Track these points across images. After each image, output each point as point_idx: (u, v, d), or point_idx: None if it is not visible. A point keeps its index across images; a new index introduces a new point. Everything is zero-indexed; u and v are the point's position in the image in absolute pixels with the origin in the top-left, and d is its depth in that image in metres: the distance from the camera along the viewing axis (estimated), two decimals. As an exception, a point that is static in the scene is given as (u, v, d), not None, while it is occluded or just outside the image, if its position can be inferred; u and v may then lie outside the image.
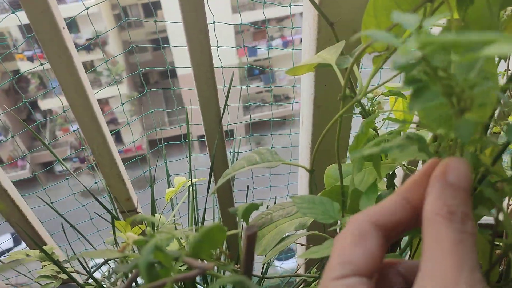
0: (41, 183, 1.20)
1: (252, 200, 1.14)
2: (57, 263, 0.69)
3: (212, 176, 0.84)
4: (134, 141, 1.19)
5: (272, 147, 1.25)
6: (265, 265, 1.02)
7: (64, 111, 0.88)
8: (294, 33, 1.31)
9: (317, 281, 0.73)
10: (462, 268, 0.22)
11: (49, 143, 0.77)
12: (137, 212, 0.87)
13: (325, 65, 0.61)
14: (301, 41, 0.73)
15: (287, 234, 0.67)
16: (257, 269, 1.39)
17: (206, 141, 0.79)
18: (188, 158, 0.95)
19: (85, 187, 0.85)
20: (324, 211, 0.52)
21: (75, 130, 0.80)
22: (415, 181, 0.27)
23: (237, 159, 1.04)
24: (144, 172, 1.16)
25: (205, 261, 0.38)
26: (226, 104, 0.76)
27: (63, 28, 0.61)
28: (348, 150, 0.55)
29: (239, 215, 0.49)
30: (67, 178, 1.15)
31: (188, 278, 0.33)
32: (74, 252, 0.87)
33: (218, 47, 0.97)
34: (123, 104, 1.16)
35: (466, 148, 0.46)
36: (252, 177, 1.15)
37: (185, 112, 0.81)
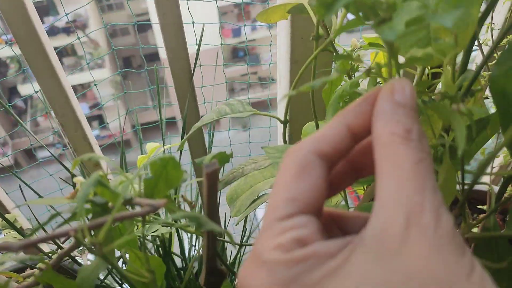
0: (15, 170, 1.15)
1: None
2: (19, 230, 0.65)
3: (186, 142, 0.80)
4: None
5: (249, 128, 1.22)
6: (244, 234, 0.99)
7: (35, 92, 0.83)
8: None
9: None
10: (425, 189, 0.20)
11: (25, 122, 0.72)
12: (108, 179, 0.83)
13: (297, 9, 0.57)
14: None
15: (262, 193, 0.63)
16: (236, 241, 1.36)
17: (177, 102, 0.75)
18: (160, 124, 0.91)
19: (53, 155, 0.80)
20: (297, 159, 0.48)
21: (37, 91, 0.75)
22: (356, 108, 0.25)
23: (212, 141, 1.01)
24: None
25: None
26: (196, 63, 0.72)
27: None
28: (322, 94, 0.52)
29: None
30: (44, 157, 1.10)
31: (137, 215, 0.29)
32: (40, 225, 0.82)
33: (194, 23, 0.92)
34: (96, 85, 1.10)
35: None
36: (231, 144, 1.11)
37: (155, 71, 0.77)
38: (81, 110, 0.73)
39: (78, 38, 1.01)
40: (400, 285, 0.18)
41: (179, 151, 0.85)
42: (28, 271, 0.60)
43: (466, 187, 0.36)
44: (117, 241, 0.28)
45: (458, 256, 0.19)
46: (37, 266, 0.66)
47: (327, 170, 0.24)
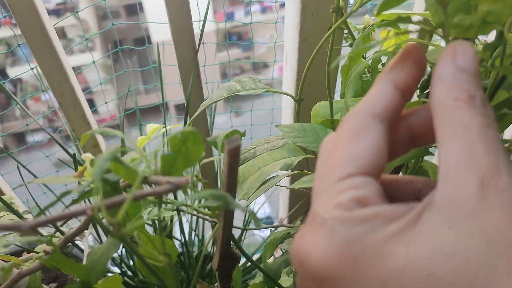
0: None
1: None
2: (16, 212, 0.62)
3: (189, 119, 0.77)
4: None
5: (251, 110, 1.18)
6: (246, 219, 0.97)
7: (31, 69, 0.79)
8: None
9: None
10: (498, 153, 0.19)
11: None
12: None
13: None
14: (280, 6, 0.66)
15: (271, 176, 0.61)
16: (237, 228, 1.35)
17: (180, 81, 0.72)
18: (161, 105, 0.88)
19: (51, 135, 0.77)
20: (316, 138, 0.46)
21: (33, 68, 0.71)
22: (397, 65, 0.25)
23: (213, 123, 0.98)
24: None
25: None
26: (201, 40, 0.69)
27: None
28: (341, 71, 0.49)
29: (219, 146, 0.43)
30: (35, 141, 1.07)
31: (157, 193, 0.27)
32: (38, 206, 0.79)
33: None
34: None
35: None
36: (232, 127, 1.08)
37: (157, 47, 0.73)
38: (80, 88, 0.70)
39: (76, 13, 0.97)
40: (479, 249, 0.17)
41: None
42: (26, 255, 0.57)
43: None
44: (135, 222, 0.26)
45: None
46: (35, 249, 0.63)
47: (385, 131, 0.23)
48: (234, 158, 0.32)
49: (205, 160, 0.45)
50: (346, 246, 0.20)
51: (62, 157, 0.84)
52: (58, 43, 0.62)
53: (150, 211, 0.57)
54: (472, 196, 0.18)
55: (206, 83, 1.04)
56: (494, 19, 0.30)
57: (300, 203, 0.94)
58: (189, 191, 0.31)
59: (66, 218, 0.24)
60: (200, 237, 1.00)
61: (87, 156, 0.37)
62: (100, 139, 0.78)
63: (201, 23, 0.69)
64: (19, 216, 0.62)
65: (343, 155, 0.23)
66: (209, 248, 0.99)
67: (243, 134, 0.49)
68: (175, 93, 1.10)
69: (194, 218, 0.97)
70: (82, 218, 0.30)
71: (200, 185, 0.43)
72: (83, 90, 0.72)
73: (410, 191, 0.26)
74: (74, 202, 0.33)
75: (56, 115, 0.79)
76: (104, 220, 0.25)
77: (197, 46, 0.67)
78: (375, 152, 0.22)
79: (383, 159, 0.23)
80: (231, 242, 0.43)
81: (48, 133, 0.73)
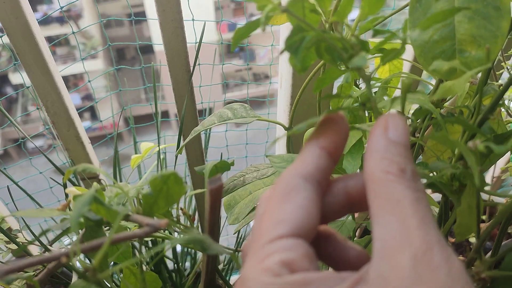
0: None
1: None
2: (5, 231, 0.62)
3: (182, 141, 0.77)
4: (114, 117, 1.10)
5: (247, 129, 1.19)
6: (240, 239, 0.97)
7: (27, 87, 0.79)
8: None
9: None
10: (429, 228, 0.19)
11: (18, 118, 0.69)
12: (100, 180, 0.80)
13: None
14: None
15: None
16: (230, 244, 1.34)
17: (175, 102, 0.72)
18: (156, 123, 0.88)
19: (41, 151, 0.77)
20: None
21: (28, 87, 0.71)
22: (322, 131, 0.25)
23: (208, 140, 0.98)
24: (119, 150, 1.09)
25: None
26: (195, 62, 0.69)
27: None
28: (331, 103, 0.49)
29: (206, 174, 0.43)
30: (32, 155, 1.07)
31: (136, 236, 0.27)
32: (26, 223, 0.79)
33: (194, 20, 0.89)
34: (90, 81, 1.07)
35: (463, 101, 0.40)
36: (227, 145, 1.08)
37: (152, 68, 0.74)
38: (74, 108, 0.70)
39: (73, 33, 0.97)
40: None
41: (173, 150, 0.82)
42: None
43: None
44: (114, 267, 0.26)
45: None
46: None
47: (314, 191, 0.24)
48: (216, 197, 0.32)
49: (199, 191, 0.45)
50: None
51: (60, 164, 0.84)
52: (53, 65, 0.62)
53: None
54: (405, 274, 0.18)
55: (209, 102, 1.05)
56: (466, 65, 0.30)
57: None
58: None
59: (41, 263, 0.24)
60: (193, 255, 1.00)
61: (71, 191, 0.37)
62: (93, 157, 0.78)
63: (201, 34, 0.69)
64: (8, 235, 0.62)
65: (272, 217, 0.23)
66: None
67: (232, 164, 0.49)
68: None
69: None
70: (73, 237, 0.30)
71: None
72: (85, 98, 0.72)
73: (343, 251, 0.26)
74: (56, 238, 0.33)
75: (51, 132, 0.79)
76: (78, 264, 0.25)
77: (191, 69, 0.68)
78: (304, 213, 0.22)
79: (313, 220, 0.23)
80: (216, 273, 0.43)
81: (44, 155, 0.73)
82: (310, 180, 0.24)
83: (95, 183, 0.40)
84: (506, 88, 0.34)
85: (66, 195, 0.61)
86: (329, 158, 0.25)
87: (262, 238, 0.22)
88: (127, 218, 0.31)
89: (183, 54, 0.65)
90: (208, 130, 1.00)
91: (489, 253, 0.43)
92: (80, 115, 0.81)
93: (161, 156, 0.98)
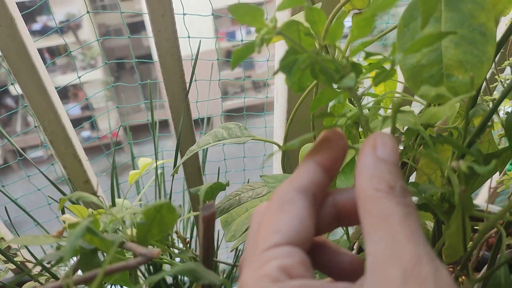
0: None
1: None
2: (2, 251, 0.62)
3: (179, 158, 0.78)
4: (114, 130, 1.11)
5: (244, 142, 1.19)
6: (239, 252, 0.97)
7: (24, 106, 0.80)
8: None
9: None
10: (418, 242, 0.20)
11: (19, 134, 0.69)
12: (98, 196, 0.80)
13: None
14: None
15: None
16: (229, 257, 1.34)
17: (172, 119, 0.73)
18: (153, 138, 0.89)
19: (39, 170, 0.77)
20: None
21: (25, 106, 0.72)
22: (319, 149, 0.26)
23: (205, 156, 0.98)
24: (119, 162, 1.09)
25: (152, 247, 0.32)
26: (192, 78, 0.70)
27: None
28: (324, 123, 0.50)
29: (201, 196, 0.43)
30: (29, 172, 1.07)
31: (129, 267, 0.27)
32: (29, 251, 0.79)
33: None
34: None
35: (454, 120, 0.41)
36: (225, 159, 1.09)
37: (148, 85, 0.74)
38: (71, 126, 0.70)
39: (70, 52, 0.98)
40: None
41: (172, 164, 0.82)
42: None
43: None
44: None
45: None
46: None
47: (309, 204, 0.25)
48: (209, 224, 0.32)
49: (195, 213, 0.45)
50: None
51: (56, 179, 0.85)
52: (49, 84, 0.63)
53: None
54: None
55: (198, 100, 1.05)
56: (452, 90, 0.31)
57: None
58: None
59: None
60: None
61: (66, 218, 0.38)
62: (91, 174, 0.78)
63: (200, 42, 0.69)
64: (4, 254, 0.62)
65: (269, 227, 0.23)
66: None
67: (227, 184, 0.50)
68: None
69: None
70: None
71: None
72: (85, 108, 0.73)
73: (337, 258, 0.27)
74: (53, 265, 0.33)
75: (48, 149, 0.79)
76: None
77: (188, 86, 0.68)
78: (299, 223, 0.23)
79: (308, 230, 0.24)
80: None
81: (41, 172, 0.73)
82: (305, 193, 0.25)
83: (90, 210, 0.40)
84: (493, 110, 0.34)
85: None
86: (325, 174, 0.26)
87: (259, 247, 0.23)
88: (121, 245, 0.31)
89: (179, 73, 0.65)
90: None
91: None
92: (80, 124, 0.81)
93: (159, 171, 0.98)
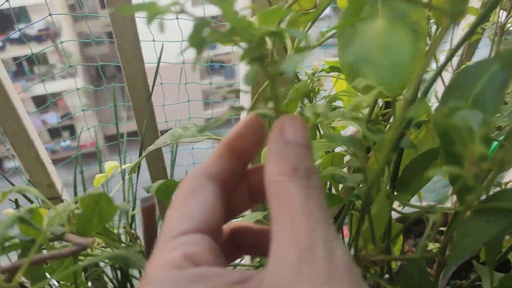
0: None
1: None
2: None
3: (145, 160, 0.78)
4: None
5: (213, 147, 1.20)
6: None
7: None
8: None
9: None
10: (316, 223, 0.20)
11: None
12: (62, 200, 0.80)
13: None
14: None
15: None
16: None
17: (136, 122, 0.73)
18: (117, 142, 0.89)
19: (2, 174, 0.76)
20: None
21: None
22: (236, 133, 0.26)
23: (174, 160, 0.98)
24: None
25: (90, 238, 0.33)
26: (155, 81, 0.70)
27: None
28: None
29: (152, 192, 0.44)
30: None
31: (61, 256, 0.28)
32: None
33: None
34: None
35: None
36: (194, 163, 1.09)
37: (113, 88, 0.75)
38: (34, 129, 0.70)
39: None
40: None
41: (138, 170, 0.82)
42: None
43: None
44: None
45: None
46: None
47: (219, 190, 0.25)
48: (149, 215, 0.33)
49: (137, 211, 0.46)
50: None
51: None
52: (9, 85, 0.63)
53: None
54: (291, 271, 0.19)
55: (175, 120, 1.05)
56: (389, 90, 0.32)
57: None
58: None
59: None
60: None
61: (8, 212, 0.38)
62: (55, 178, 0.78)
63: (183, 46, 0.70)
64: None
65: (177, 214, 0.23)
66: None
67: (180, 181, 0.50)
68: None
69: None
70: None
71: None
72: (64, 116, 0.72)
73: (261, 241, 0.28)
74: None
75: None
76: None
77: (151, 88, 0.69)
78: (208, 210, 0.23)
79: (218, 217, 0.24)
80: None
81: (5, 177, 0.73)
82: (215, 180, 0.25)
83: (34, 205, 0.40)
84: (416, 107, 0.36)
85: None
86: (238, 159, 0.26)
87: (167, 235, 0.22)
88: (61, 237, 0.32)
89: (142, 75, 0.66)
90: (175, 148, 1.00)
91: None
92: (59, 134, 0.79)
93: (127, 176, 0.98)
